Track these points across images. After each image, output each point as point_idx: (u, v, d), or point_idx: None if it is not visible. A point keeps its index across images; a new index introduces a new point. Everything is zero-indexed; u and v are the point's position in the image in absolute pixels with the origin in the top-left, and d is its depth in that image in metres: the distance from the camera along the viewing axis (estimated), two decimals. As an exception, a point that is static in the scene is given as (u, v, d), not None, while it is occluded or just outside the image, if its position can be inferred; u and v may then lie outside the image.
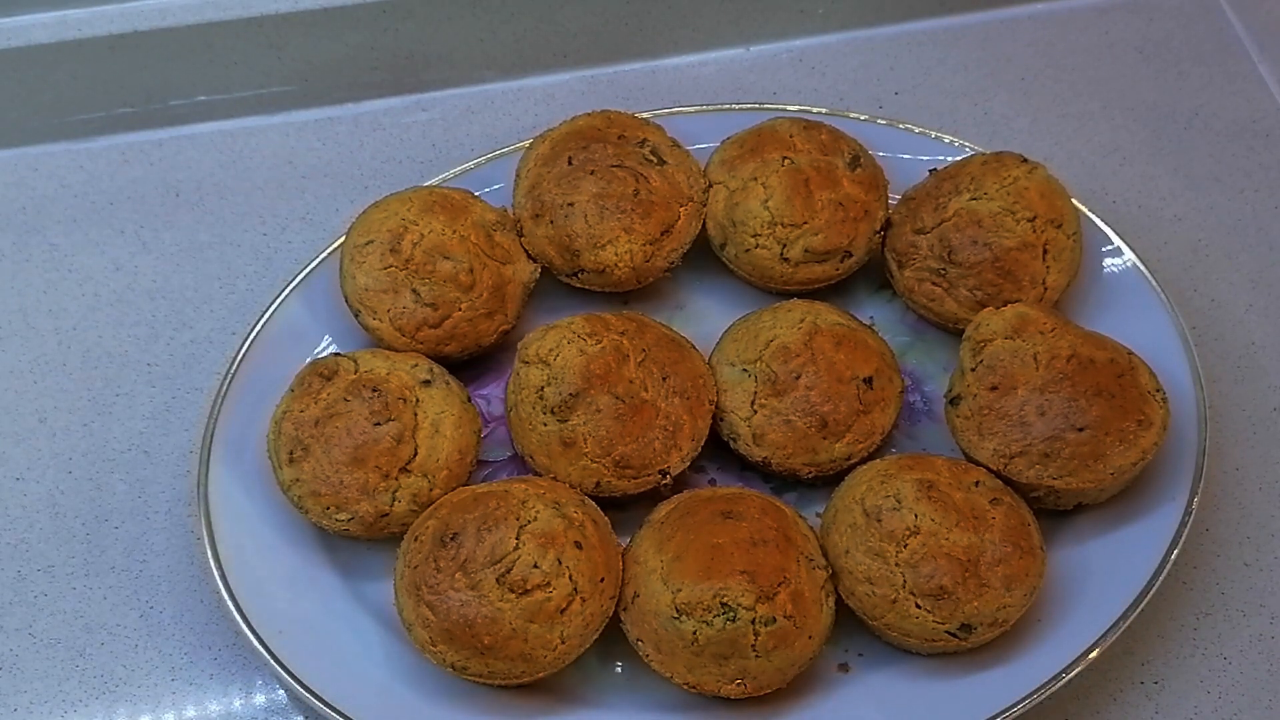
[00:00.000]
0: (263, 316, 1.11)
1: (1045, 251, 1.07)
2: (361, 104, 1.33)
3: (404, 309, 1.06)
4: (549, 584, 0.91)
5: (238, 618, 0.97)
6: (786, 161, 1.10)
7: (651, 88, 1.34)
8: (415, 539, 0.96)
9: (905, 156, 1.18)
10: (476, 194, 1.13)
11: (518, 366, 1.03)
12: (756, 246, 1.10)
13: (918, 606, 0.92)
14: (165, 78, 1.28)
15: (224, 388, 1.07)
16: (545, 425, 1.01)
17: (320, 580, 1.01)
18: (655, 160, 1.12)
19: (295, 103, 1.32)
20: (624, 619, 0.95)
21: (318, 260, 1.13)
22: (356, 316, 1.08)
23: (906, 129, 1.20)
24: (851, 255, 1.10)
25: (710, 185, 1.13)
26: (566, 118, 1.16)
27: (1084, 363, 0.98)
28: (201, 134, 1.31)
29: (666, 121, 1.18)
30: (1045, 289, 1.07)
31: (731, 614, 0.90)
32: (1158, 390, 1.00)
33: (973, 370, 1.01)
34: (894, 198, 1.14)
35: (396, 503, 0.99)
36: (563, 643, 0.92)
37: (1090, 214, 1.13)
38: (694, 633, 0.91)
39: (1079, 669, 0.94)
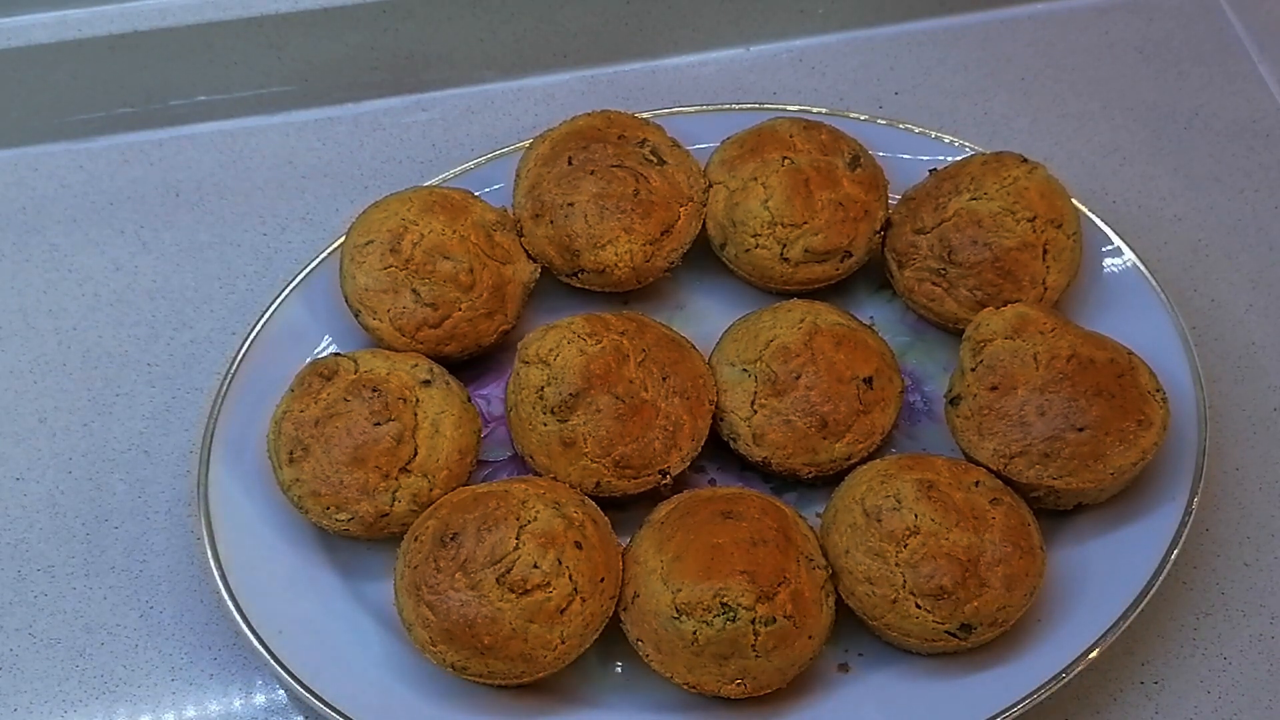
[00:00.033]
0: (263, 316, 1.11)
1: (1045, 251, 1.07)
2: (361, 104, 1.33)
3: (404, 309, 1.06)
4: (549, 584, 0.91)
5: (238, 618, 0.97)
6: (786, 161, 1.10)
7: (651, 88, 1.34)
8: (415, 539, 0.96)
9: (905, 156, 1.18)
10: (476, 194, 1.13)
11: (518, 366, 1.03)
12: (756, 246, 1.10)
13: (918, 606, 0.92)
14: (165, 78, 1.28)
15: (224, 388, 1.07)
16: (545, 425, 1.01)
17: (320, 580, 1.01)
18: (655, 160, 1.12)
19: (295, 103, 1.32)
20: (624, 619, 0.95)
21: (318, 260, 1.13)
22: (356, 316, 1.08)
23: (906, 129, 1.20)
24: (851, 255, 1.10)
25: (710, 185, 1.13)
26: (566, 118, 1.16)
27: (1084, 363, 0.98)
28: (201, 134, 1.31)
29: (666, 121, 1.18)
30: (1045, 289, 1.07)
31: (731, 614, 0.90)
32: (1158, 390, 1.00)
33: (973, 370, 1.01)
34: (894, 198, 1.14)
35: (396, 503, 0.99)
36: (563, 643, 0.92)
37: (1090, 214, 1.13)
38: (694, 633, 0.91)
39: (1079, 669, 0.94)
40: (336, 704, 0.94)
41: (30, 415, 1.14)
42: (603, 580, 0.94)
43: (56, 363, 1.17)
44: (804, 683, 0.96)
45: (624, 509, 1.03)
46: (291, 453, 0.99)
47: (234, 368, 1.08)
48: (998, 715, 0.92)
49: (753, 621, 0.90)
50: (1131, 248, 1.12)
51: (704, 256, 1.15)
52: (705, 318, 1.14)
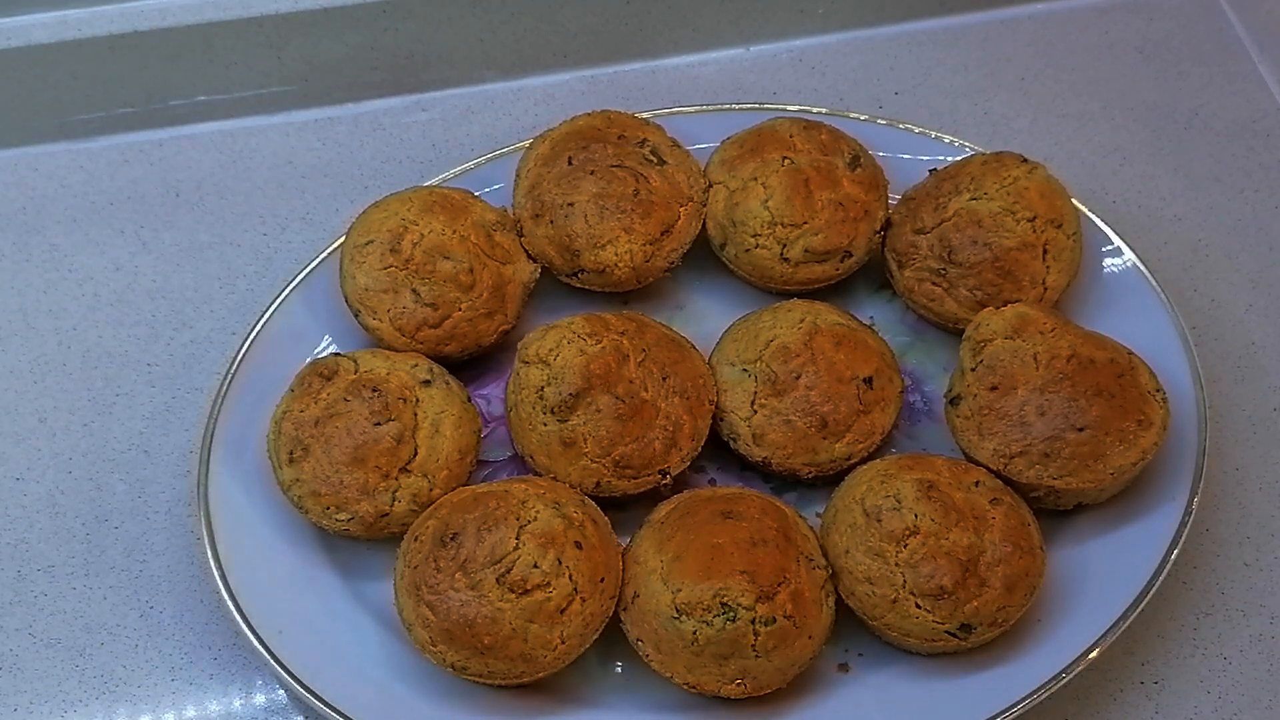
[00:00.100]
0: (263, 316, 1.11)
1: (1045, 251, 1.07)
2: (361, 104, 1.33)
3: (404, 309, 1.06)
4: (549, 584, 0.91)
5: (238, 618, 0.97)
6: (786, 161, 1.10)
7: (651, 88, 1.34)
8: (415, 539, 0.96)
9: (905, 156, 1.18)
10: (476, 194, 1.13)
11: (518, 366, 1.03)
12: (756, 246, 1.10)
13: (918, 606, 0.92)
14: (165, 78, 1.28)
15: (224, 388, 1.07)
16: (545, 425, 1.01)
17: (320, 580, 1.01)
18: (655, 160, 1.12)
19: (295, 103, 1.32)
20: (624, 619, 0.95)
21: (318, 260, 1.13)
22: (356, 316, 1.08)
23: (906, 129, 1.20)
24: (851, 255, 1.10)
25: (710, 185, 1.13)
26: (566, 118, 1.16)
27: (1084, 363, 0.98)
28: (201, 134, 1.31)
29: (666, 121, 1.18)
30: (1045, 289, 1.07)
31: (731, 614, 0.90)
32: (1158, 390, 1.00)
33: (973, 370, 1.01)
34: (894, 198, 1.14)
35: (396, 503, 0.99)
36: (563, 643, 0.92)
37: (1090, 214, 1.13)
38: (694, 633, 0.91)
39: (1079, 669, 0.94)
40: (336, 704, 0.94)
41: (30, 415, 1.14)
42: (603, 580, 0.94)
43: (56, 363, 1.17)
44: (804, 683, 0.96)
45: (624, 509, 1.03)
46: (291, 453, 0.99)
47: (234, 368, 1.08)
48: (998, 715, 0.92)
49: (753, 621, 0.90)
50: (1131, 248, 1.12)
51: (704, 256, 1.15)
52: (705, 318, 1.14)
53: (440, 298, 1.06)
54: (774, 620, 0.91)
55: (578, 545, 0.93)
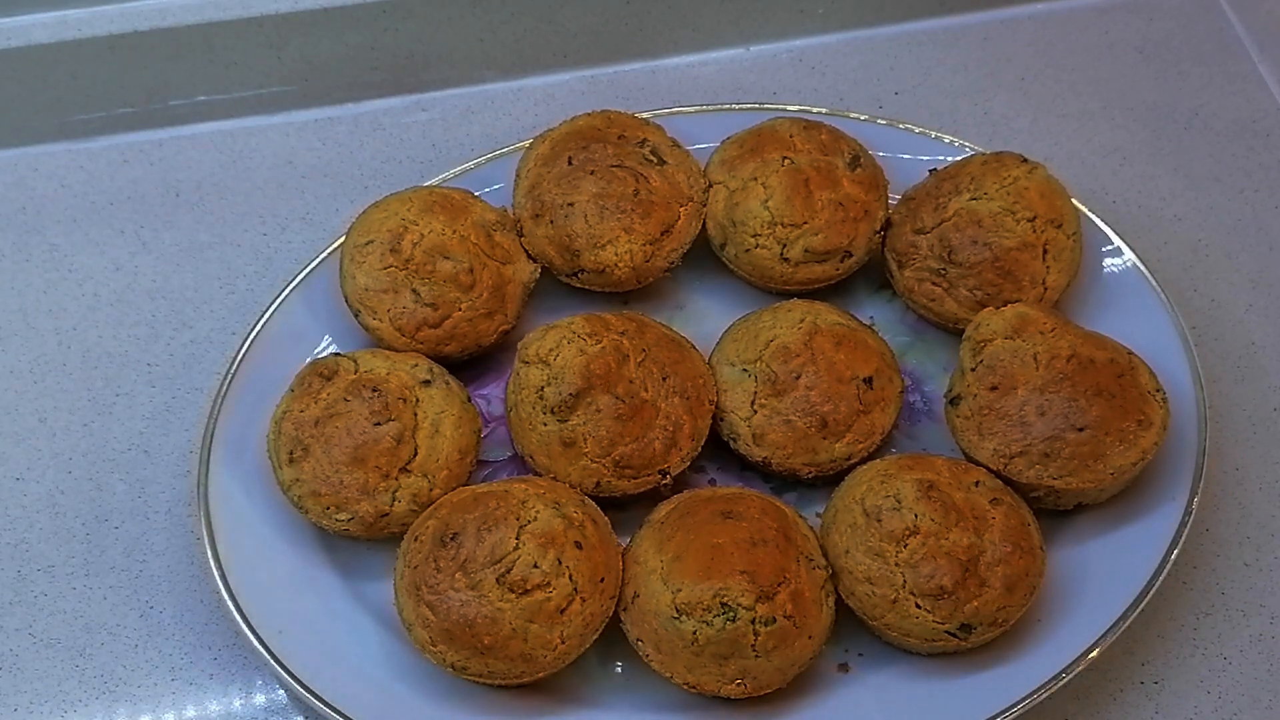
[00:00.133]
0: (263, 316, 1.11)
1: (1045, 251, 1.07)
2: (361, 104, 1.33)
3: (404, 309, 1.06)
4: (549, 584, 0.91)
5: (238, 618, 0.97)
6: (786, 161, 1.10)
7: (651, 88, 1.34)
8: (415, 539, 0.96)
9: (905, 156, 1.18)
10: (476, 194, 1.13)
11: (518, 366, 1.03)
12: (756, 246, 1.10)
13: (918, 606, 0.92)
14: (165, 78, 1.28)
15: (224, 388, 1.07)
16: (545, 425, 1.01)
17: (320, 580, 1.01)
18: (655, 160, 1.12)
19: (295, 103, 1.32)
20: (624, 619, 0.95)
21: (318, 260, 1.14)
22: (356, 316, 1.08)
23: (906, 129, 1.20)
24: (851, 255, 1.10)
25: (710, 185, 1.13)
26: (566, 118, 1.16)
27: (1084, 363, 0.98)
28: (201, 134, 1.31)
29: (666, 121, 1.18)
30: (1045, 289, 1.07)
31: (731, 614, 0.90)
32: (1158, 390, 1.00)
33: (973, 370, 1.01)
34: (894, 198, 1.14)
35: (396, 503, 0.99)
36: (563, 643, 0.92)
37: (1090, 214, 1.13)
38: (694, 633, 0.91)
39: (1079, 669, 0.94)
40: (336, 704, 0.94)
41: (30, 415, 1.14)
42: (603, 580, 0.94)
43: (56, 363, 1.17)
44: (804, 683, 0.96)
45: (624, 509, 1.03)
46: (291, 453, 0.99)
47: (234, 368, 1.08)
48: (998, 715, 0.92)
49: (753, 621, 0.90)
50: (1131, 248, 1.12)
51: (704, 256, 1.15)
52: (705, 318, 1.14)
53: (440, 298, 1.06)
54: (774, 620, 0.91)
55: (578, 545, 0.93)
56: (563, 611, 0.92)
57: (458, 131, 1.31)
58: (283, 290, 1.12)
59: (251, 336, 1.10)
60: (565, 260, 1.10)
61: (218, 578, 0.99)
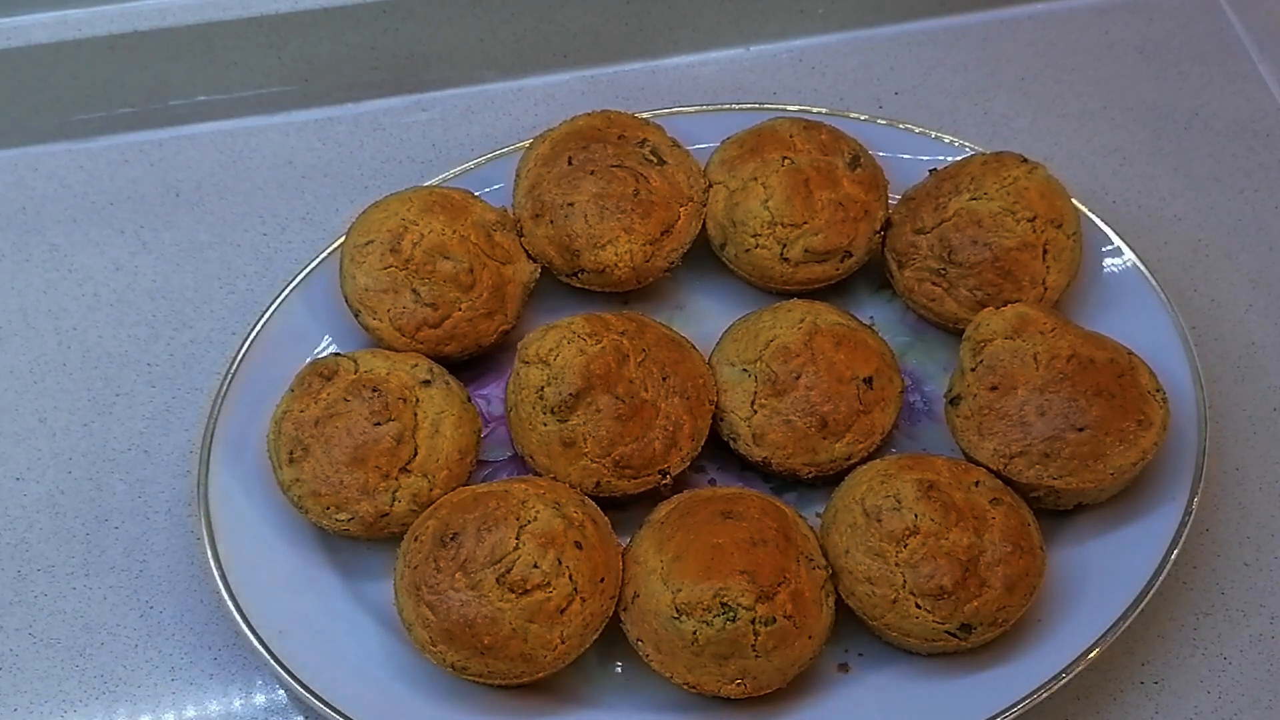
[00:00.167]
0: (263, 316, 1.11)
1: (1045, 251, 1.07)
2: (361, 104, 1.33)
3: (404, 309, 1.06)
4: (549, 584, 0.91)
5: (238, 618, 0.97)
6: (786, 161, 1.10)
7: (651, 88, 1.34)
8: (415, 539, 0.96)
9: (905, 156, 1.18)
10: (476, 194, 1.13)
11: (518, 366, 1.03)
12: (756, 246, 1.10)
13: (918, 606, 0.92)
14: (165, 78, 1.28)
15: (224, 388, 1.07)
16: (545, 425, 1.01)
17: (320, 580, 1.01)
18: (655, 160, 1.12)
19: (295, 103, 1.32)
20: (624, 619, 0.95)
21: (318, 260, 1.14)
22: (356, 316, 1.08)
23: (906, 129, 1.20)
24: (851, 255, 1.10)
25: (710, 185, 1.13)
26: (566, 118, 1.16)
27: (1084, 363, 0.98)
28: (201, 134, 1.31)
29: (666, 121, 1.18)
30: (1045, 289, 1.07)
31: (731, 614, 0.90)
32: (1158, 390, 1.00)
33: (973, 370, 1.01)
34: (894, 198, 1.14)
35: (396, 503, 0.99)
36: (563, 643, 0.92)
37: (1090, 214, 1.13)
38: (694, 633, 0.91)
39: (1079, 669, 0.94)
40: (336, 704, 0.94)
41: (30, 415, 1.14)
42: (603, 580, 0.94)
43: (56, 363, 1.17)
44: (804, 683, 0.96)
45: (624, 509, 1.03)
46: (291, 453, 0.99)
47: (234, 368, 1.08)
48: (998, 715, 0.92)
49: (753, 621, 0.90)
50: (1131, 248, 1.12)
51: (704, 256, 1.15)
52: (705, 318, 1.14)
53: (440, 298, 1.06)
54: (774, 620, 0.91)
55: (578, 545, 0.93)
56: (563, 611, 0.92)
57: (458, 131, 1.31)
58: (283, 290, 1.12)
59: (251, 336, 1.10)
60: (565, 260, 1.10)
61: (218, 578, 0.99)
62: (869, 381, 1.02)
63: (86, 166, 1.29)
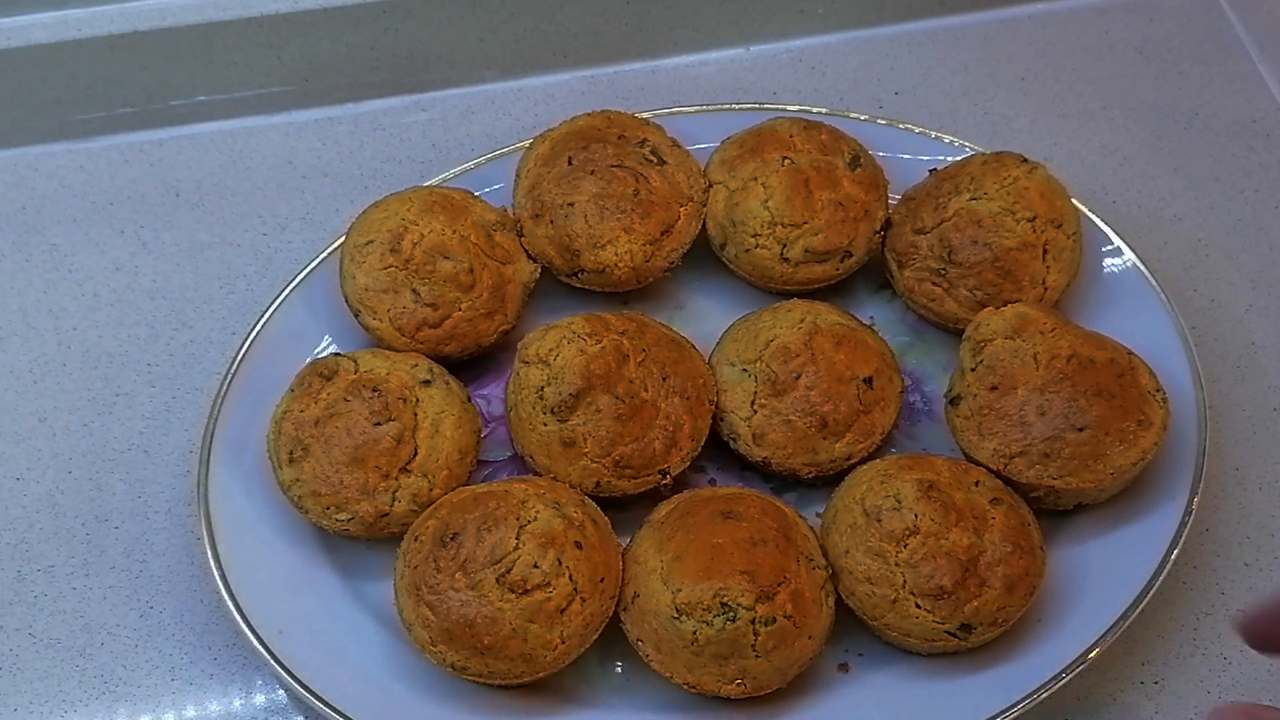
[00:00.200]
0: (263, 316, 1.11)
1: (1045, 251, 1.07)
2: (361, 104, 1.33)
3: (404, 309, 1.06)
4: (549, 584, 0.91)
5: (238, 618, 0.97)
6: (786, 161, 1.10)
7: (651, 88, 1.34)
8: (415, 539, 0.96)
9: (905, 156, 1.18)
10: (476, 194, 1.13)
11: (518, 366, 1.03)
12: (756, 246, 1.10)
13: (918, 606, 0.92)
14: (165, 78, 1.28)
15: (224, 388, 1.07)
16: (545, 425, 1.01)
17: (320, 580, 1.01)
18: (655, 160, 1.12)
19: (295, 103, 1.32)
20: (624, 619, 0.95)
21: (318, 260, 1.14)
22: (356, 316, 1.08)
23: (906, 129, 1.20)
24: (851, 255, 1.10)
25: (710, 185, 1.13)
26: (566, 118, 1.16)
27: (1084, 363, 0.98)
28: (201, 134, 1.31)
29: (666, 121, 1.18)
30: (1045, 289, 1.07)
31: (731, 614, 0.90)
32: (1158, 390, 1.00)
33: (973, 370, 1.01)
34: (894, 198, 1.14)
35: (396, 503, 0.99)
36: (563, 643, 0.92)
37: (1090, 214, 1.13)
38: (694, 633, 0.91)
39: (1079, 669, 0.94)
40: (336, 704, 0.94)
41: (30, 415, 1.14)
42: (603, 580, 0.94)
43: (56, 363, 1.17)
44: (804, 683, 0.96)
45: (624, 509, 1.03)
46: (291, 453, 0.99)
47: (234, 368, 1.08)
48: (998, 715, 0.92)
49: (753, 621, 0.90)
50: (1131, 248, 1.12)
51: (704, 256, 1.15)
52: (705, 318, 1.14)
53: (440, 298, 1.06)
54: (774, 620, 0.91)
55: (578, 545, 0.93)
56: (563, 611, 0.92)
57: (458, 131, 1.31)
58: (283, 290, 1.12)
59: (251, 336, 1.10)
60: (565, 260, 1.10)
61: (218, 578, 0.99)
62: (869, 381, 1.02)
63: (86, 166, 1.29)
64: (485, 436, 1.07)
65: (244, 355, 1.09)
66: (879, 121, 1.21)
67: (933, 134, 1.20)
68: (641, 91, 1.33)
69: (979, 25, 1.38)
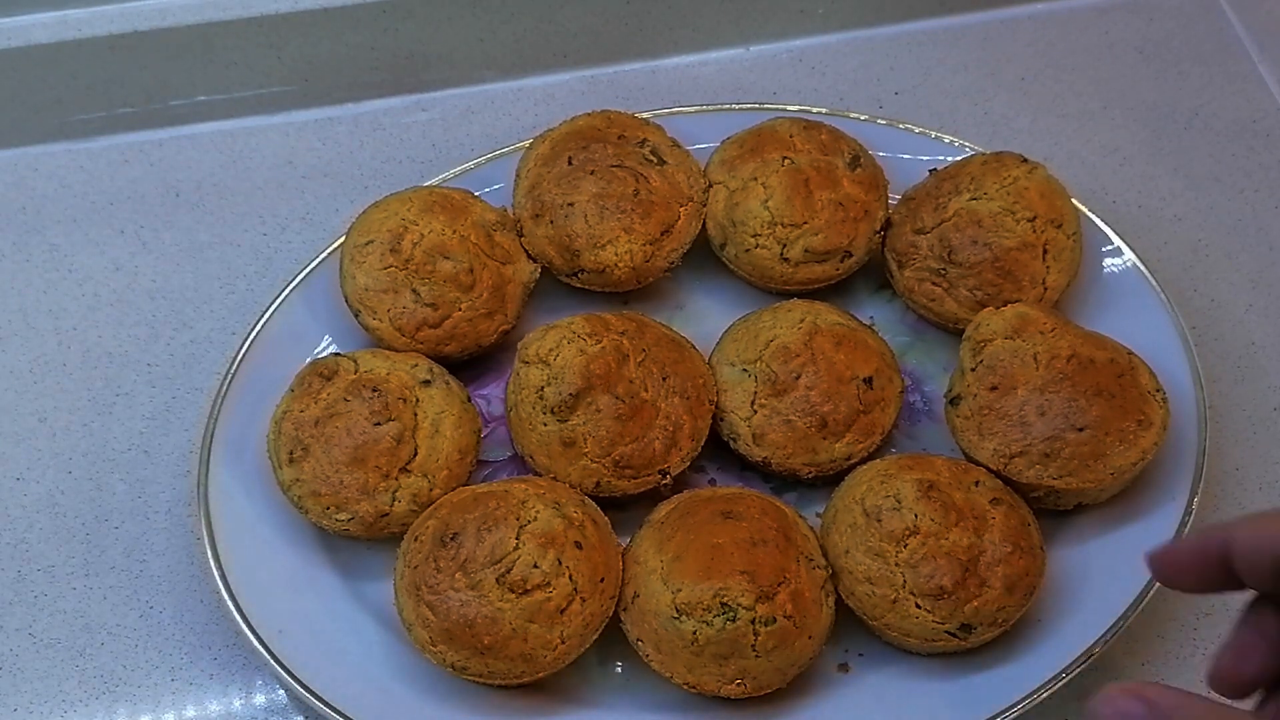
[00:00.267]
0: (263, 316, 1.11)
1: (1045, 251, 1.07)
2: (361, 104, 1.33)
3: (404, 309, 1.06)
4: (549, 584, 0.91)
5: (238, 618, 0.97)
6: (786, 161, 1.10)
7: (651, 88, 1.34)
8: (415, 539, 0.96)
9: (905, 156, 1.18)
10: (476, 194, 1.13)
11: (518, 366, 1.03)
12: (756, 246, 1.10)
13: (918, 606, 0.92)
14: (165, 78, 1.28)
15: (224, 388, 1.07)
16: (545, 425, 1.01)
17: (320, 580, 1.01)
18: (655, 160, 1.12)
19: (295, 103, 1.32)
20: (624, 619, 0.95)
21: (318, 260, 1.14)
22: (356, 316, 1.08)
23: (906, 129, 1.20)
24: (851, 255, 1.10)
25: (710, 185, 1.13)
26: (566, 118, 1.16)
27: (1084, 363, 0.98)
28: (201, 134, 1.31)
29: (666, 121, 1.18)
30: (1045, 289, 1.07)
31: (731, 614, 0.90)
32: (1158, 390, 1.00)
33: (973, 370, 1.01)
34: (894, 198, 1.14)
35: (396, 503, 0.99)
36: (563, 643, 0.92)
37: (1090, 214, 1.13)
38: (694, 633, 0.91)
39: (1079, 669, 0.94)
40: (336, 704, 0.94)
41: (30, 415, 1.14)
42: (603, 580, 0.94)
43: (56, 363, 1.17)
44: (804, 683, 0.96)
45: (624, 509, 1.03)
46: (291, 453, 0.99)
47: (234, 368, 1.08)
48: (998, 715, 0.92)
49: (753, 621, 0.90)
50: (1131, 248, 1.12)
51: (704, 256, 1.15)
52: (705, 318, 1.14)
53: (440, 298, 1.06)
54: (774, 620, 0.91)
55: (578, 545, 0.93)
56: (563, 611, 0.92)
57: (458, 131, 1.31)
58: (283, 290, 1.12)
59: (251, 336, 1.10)
60: (565, 260, 1.10)
61: (218, 578, 0.99)
62: (869, 381, 1.02)
63: (86, 166, 1.29)
64: (485, 436, 1.07)
65: (244, 355, 1.09)
66: (879, 121, 1.21)
67: (933, 134, 1.20)
68: (641, 91, 1.33)
69: (979, 25, 1.38)
